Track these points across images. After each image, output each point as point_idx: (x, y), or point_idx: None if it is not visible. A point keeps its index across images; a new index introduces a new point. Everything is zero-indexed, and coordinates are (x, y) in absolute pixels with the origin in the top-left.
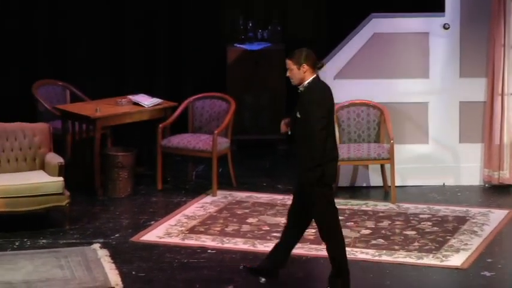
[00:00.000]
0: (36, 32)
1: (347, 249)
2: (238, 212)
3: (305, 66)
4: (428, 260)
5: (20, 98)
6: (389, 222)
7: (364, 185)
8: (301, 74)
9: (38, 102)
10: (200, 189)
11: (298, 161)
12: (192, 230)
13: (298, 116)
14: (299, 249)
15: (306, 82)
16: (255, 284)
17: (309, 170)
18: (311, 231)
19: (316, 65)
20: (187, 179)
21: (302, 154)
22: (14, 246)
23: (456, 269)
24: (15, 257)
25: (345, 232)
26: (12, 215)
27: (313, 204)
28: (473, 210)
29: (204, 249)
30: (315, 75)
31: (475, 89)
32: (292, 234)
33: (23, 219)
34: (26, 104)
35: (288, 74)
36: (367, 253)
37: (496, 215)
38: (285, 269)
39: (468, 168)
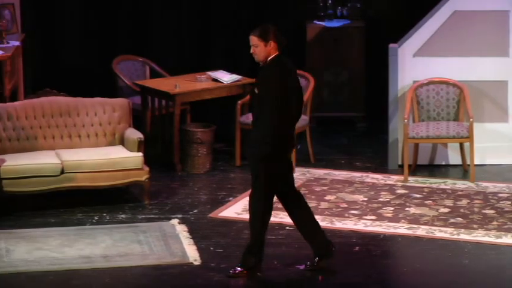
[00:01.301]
0: (117, 7)
1: (425, 227)
2: (316, 189)
3: (272, 43)
4: (507, 239)
5: (100, 73)
6: (468, 200)
7: (443, 163)
8: (267, 51)
9: (118, 77)
10: None
11: (253, 136)
12: None
13: (256, 91)
14: (377, 227)
15: (269, 59)
16: (334, 261)
17: (263, 144)
18: (389, 209)
19: (281, 42)
20: None
21: (258, 129)
22: (93, 220)
23: None
24: (94, 231)
25: (423, 210)
26: (91, 190)
27: (257, 177)
28: None
29: (282, 225)
30: (278, 53)
31: None
32: (299, 215)
33: (102, 194)
34: (106, 80)
35: (252, 50)
36: (445, 231)
37: None
38: (362, 246)
39: None
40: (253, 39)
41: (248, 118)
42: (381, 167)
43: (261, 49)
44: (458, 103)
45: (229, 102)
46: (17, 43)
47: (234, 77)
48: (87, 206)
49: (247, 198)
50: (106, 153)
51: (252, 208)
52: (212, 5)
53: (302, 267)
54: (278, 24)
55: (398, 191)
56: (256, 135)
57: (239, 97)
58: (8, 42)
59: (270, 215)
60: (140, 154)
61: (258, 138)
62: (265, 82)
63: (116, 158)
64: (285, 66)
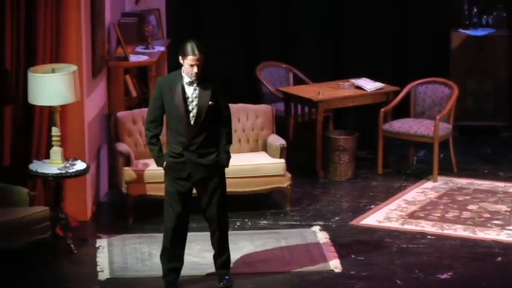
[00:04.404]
0: (259, 13)
1: None
2: (459, 199)
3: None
4: None
5: (245, 79)
6: None
7: None
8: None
9: (262, 84)
10: (421, 174)
11: (199, 147)
12: (412, 215)
13: (211, 103)
14: (502, 236)
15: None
16: (475, 272)
17: (228, 153)
18: None
19: None
20: (408, 163)
21: (204, 140)
22: (235, 226)
23: None
24: (236, 237)
25: None
26: (234, 196)
27: (219, 186)
28: None
29: (423, 234)
30: None
31: None
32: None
33: (244, 200)
34: (250, 86)
35: (196, 69)
36: None
37: None
38: (505, 257)
39: None
40: (201, 58)
41: (391, 126)
42: None
43: (201, 66)
44: None
45: (372, 109)
46: (162, 48)
47: (378, 84)
48: (229, 212)
49: (389, 206)
50: (249, 159)
51: (226, 223)
52: (353, 14)
53: (443, 276)
54: (421, 31)
55: None
56: (217, 146)
57: (382, 105)
58: (153, 48)
59: None
60: (282, 161)
61: (220, 147)
62: (219, 94)
63: (258, 164)
64: None
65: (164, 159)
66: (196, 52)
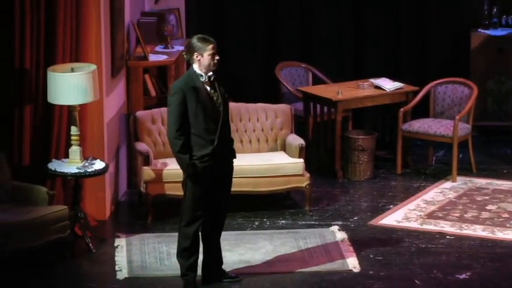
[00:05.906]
0: (281, 13)
1: None
2: (478, 199)
3: None
4: None
5: (264, 79)
6: None
7: None
8: None
9: (281, 83)
10: (440, 174)
11: (223, 140)
12: (431, 215)
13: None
14: None
15: None
16: (494, 272)
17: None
18: None
19: None
20: (427, 163)
21: (227, 132)
22: (254, 226)
23: None
24: (254, 236)
25: None
26: (253, 195)
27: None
28: None
29: (442, 234)
30: None
31: None
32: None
33: (263, 199)
34: (269, 86)
35: (218, 56)
36: None
37: None
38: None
39: None
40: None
41: (411, 126)
42: None
43: None
44: None
45: (392, 109)
46: (182, 48)
47: (397, 84)
48: (248, 211)
49: (408, 206)
50: (268, 159)
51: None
52: (373, 13)
53: (462, 276)
54: (441, 31)
55: None
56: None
57: (401, 105)
58: (172, 47)
59: None
60: (301, 160)
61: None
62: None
63: (277, 163)
64: None
65: (195, 165)
66: (212, 39)
